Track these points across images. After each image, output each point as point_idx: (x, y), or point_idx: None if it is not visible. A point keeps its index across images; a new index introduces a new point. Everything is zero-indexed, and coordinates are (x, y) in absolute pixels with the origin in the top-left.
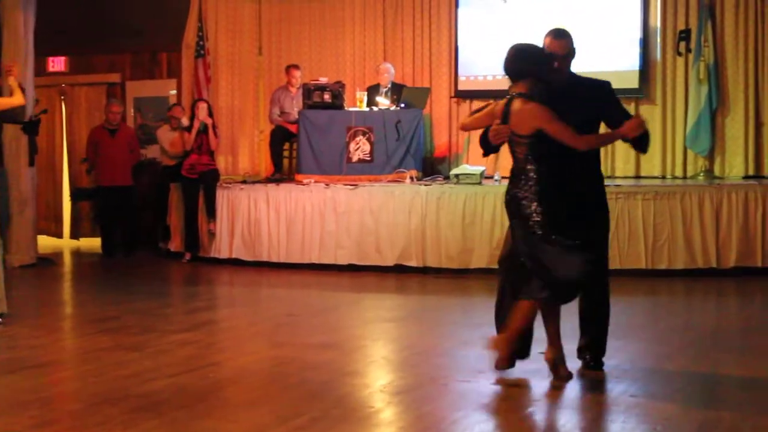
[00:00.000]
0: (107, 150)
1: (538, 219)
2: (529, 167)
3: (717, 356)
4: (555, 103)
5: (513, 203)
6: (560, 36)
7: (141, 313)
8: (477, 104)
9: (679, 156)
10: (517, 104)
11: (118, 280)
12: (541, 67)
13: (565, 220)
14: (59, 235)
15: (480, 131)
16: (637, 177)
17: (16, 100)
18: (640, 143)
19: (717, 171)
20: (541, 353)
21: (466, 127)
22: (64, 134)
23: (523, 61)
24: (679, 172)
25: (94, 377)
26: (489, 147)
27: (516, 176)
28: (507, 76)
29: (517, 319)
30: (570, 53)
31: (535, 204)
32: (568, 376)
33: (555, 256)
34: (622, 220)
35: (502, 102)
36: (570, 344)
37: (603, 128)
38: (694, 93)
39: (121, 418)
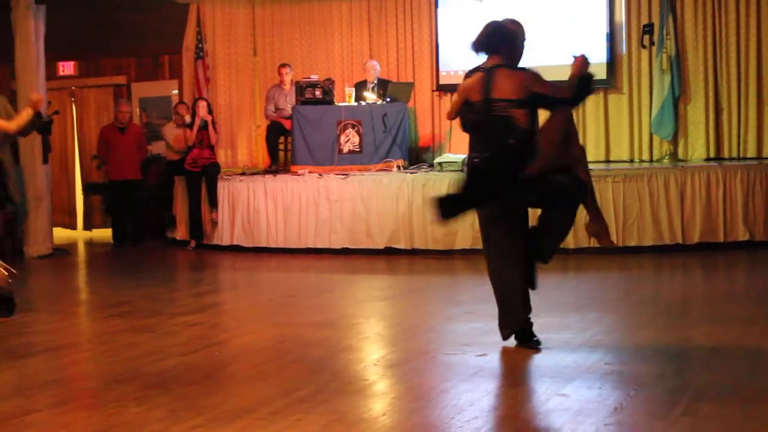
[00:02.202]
0: (117, 147)
1: None
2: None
3: (685, 325)
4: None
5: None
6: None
7: (150, 298)
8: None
9: (646, 141)
10: (504, 73)
11: (128, 268)
12: (512, 42)
13: None
14: (73, 227)
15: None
16: (607, 161)
17: (10, 126)
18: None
19: (680, 154)
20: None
21: (451, 116)
22: (75, 133)
23: (498, 37)
24: (645, 156)
25: (109, 358)
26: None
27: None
28: (481, 51)
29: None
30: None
31: None
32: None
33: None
34: None
35: (474, 77)
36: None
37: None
38: (658, 82)
39: (134, 395)
